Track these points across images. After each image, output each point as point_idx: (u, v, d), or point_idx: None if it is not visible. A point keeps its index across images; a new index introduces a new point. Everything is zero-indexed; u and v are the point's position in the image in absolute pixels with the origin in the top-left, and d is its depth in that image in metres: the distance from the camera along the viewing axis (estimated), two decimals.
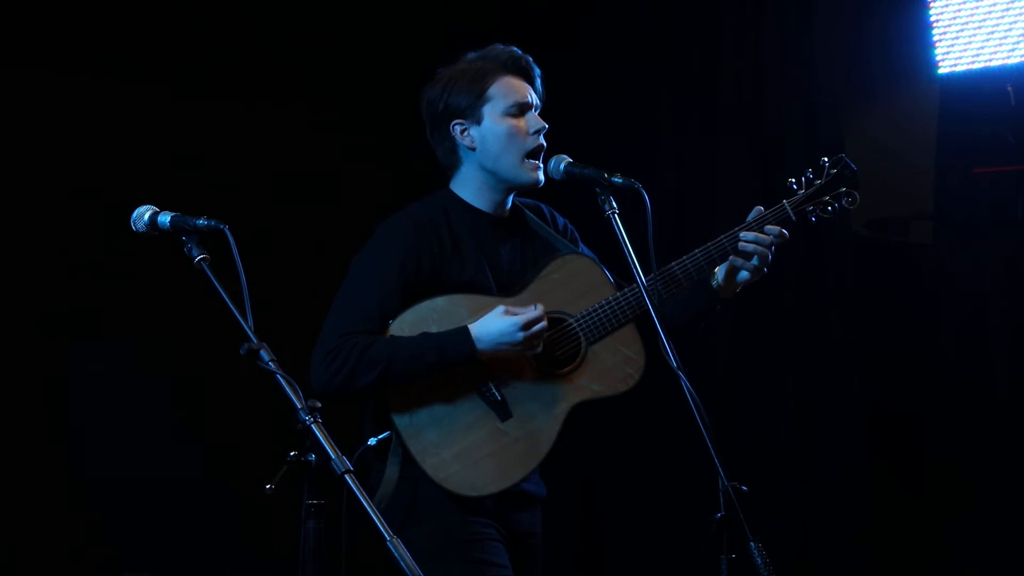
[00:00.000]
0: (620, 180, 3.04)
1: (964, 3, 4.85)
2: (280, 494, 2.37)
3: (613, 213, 3.02)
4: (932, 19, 4.91)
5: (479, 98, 3.17)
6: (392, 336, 3.07)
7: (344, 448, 2.41)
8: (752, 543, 2.71)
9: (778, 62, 5.35)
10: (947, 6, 4.88)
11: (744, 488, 2.74)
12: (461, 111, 3.18)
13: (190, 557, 4.84)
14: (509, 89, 3.19)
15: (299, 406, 2.43)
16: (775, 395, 5.23)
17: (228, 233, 2.60)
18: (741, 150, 5.39)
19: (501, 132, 3.17)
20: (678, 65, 5.53)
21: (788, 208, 3.25)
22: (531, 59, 3.24)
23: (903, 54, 5.09)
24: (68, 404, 4.72)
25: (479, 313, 3.11)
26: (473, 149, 3.19)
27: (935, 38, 4.91)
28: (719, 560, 2.77)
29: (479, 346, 3.04)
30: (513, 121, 3.18)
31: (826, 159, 3.27)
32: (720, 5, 5.46)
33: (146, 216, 2.74)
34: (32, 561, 4.57)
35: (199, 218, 2.65)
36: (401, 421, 3.07)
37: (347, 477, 2.36)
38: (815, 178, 3.26)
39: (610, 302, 3.18)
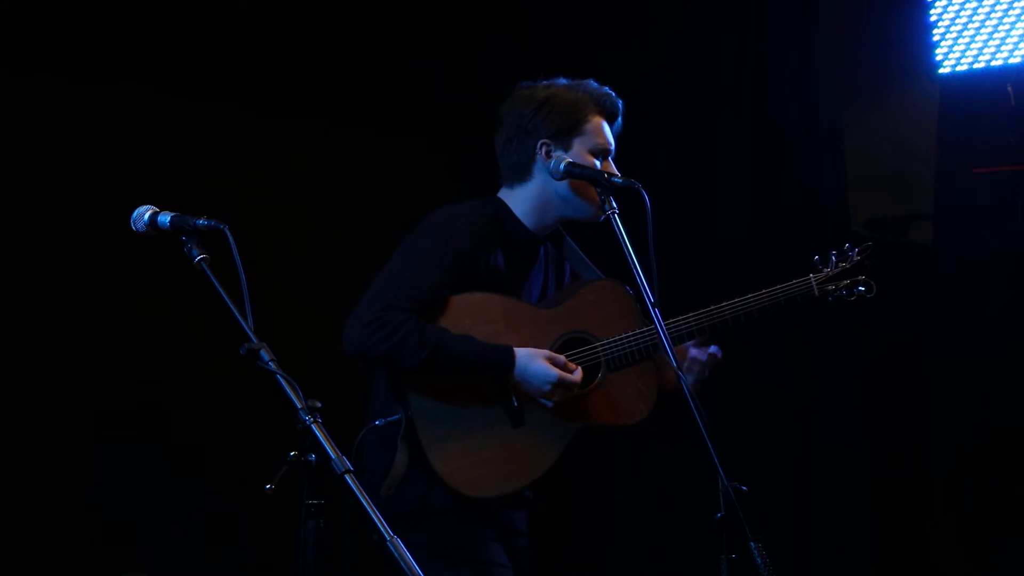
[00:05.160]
0: (620, 180, 3.07)
1: (964, 3, 4.85)
2: (280, 494, 2.37)
3: (613, 213, 3.04)
4: (933, 19, 4.91)
5: (574, 128, 3.25)
6: (442, 327, 3.09)
7: (342, 445, 2.41)
8: (752, 543, 2.72)
9: (778, 62, 5.35)
10: (948, 6, 4.88)
11: (744, 488, 2.74)
12: (552, 134, 3.25)
13: (190, 557, 4.84)
14: (600, 131, 3.28)
15: (299, 406, 2.42)
16: (775, 396, 5.23)
17: (228, 233, 2.60)
18: (741, 150, 5.39)
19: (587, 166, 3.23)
20: (678, 65, 5.53)
21: (813, 283, 3.37)
22: (621, 105, 3.33)
23: (903, 54, 5.09)
24: (68, 404, 4.71)
25: (511, 317, 3.18)
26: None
27: (936, 38, 4.91)
28: (719, 560, 2.77)
29: (515, 372, 3.10)
30: (596, 162, 3.25)
31: (849, 245, 3.42)
32: (720, 4, 5.46)
33: (146, 216, 2.74)
34: (32, 561, 4.57)
35: (199, 218, 2.65)
36: (418, 407, 3.10)
37: (347, 477, 2.35)
38: (839, 260, 3.40)
39: (636, 335, 3.23)
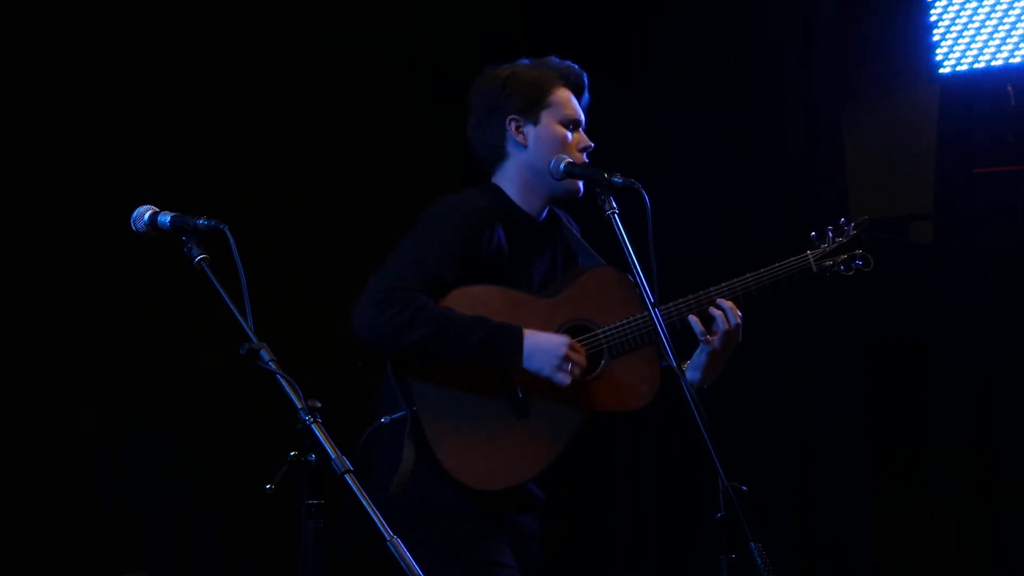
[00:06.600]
0: (620, 180, 3.06)
1: (964, 3, 4.85)
2: (280, 494, 2.37)
3: (613, 213, 3.03)
4: (933, 19, 4.91)
5: (539, 101, 3.26)
6: (448, 307, 3.08)
7: (342, 445, 2.41)
8: (752, 543, 2.72)
9: (778, 62, 5.35)
10: (948, 6, 4.88)
11: (744, 488, 2.74)
12: (519, 109, 3.26)
13: (190, 557, 4.84)
14: (566, 101, 3.28)
15: (299, 406, 2.42)
16: (775, 396, 5.23)
17: (228, 233, 2.60)
18: (741, 150, 5.39)
19: (556, 137, 3.25)
20: (678, 66, 5.53)
21: (811, 259, 3.37)
22: (586, 78, 3.32)
23: (903, 54, 5.09)
24: (68, 404, 4.71)
25: (512, 307, 3.16)
26: (524, 146, 3.26)
27: (936, 38, 4.91)
28: (719, 560, 2.77)
29: (524, 351, 3.08)
30: (568, 133, 3.26)
31: (845, 219, 3.40)
32: (720, 4, 5.46)
33: (146, 216, 2.74)
34: (33, 561, 4.57)
35: (199, 218, 2.65)
36: (423, 402, 3.09)
37: (347, 477, 2.35)
38: (836, 235, 3.39)
39: (637, 320, 3.22)
